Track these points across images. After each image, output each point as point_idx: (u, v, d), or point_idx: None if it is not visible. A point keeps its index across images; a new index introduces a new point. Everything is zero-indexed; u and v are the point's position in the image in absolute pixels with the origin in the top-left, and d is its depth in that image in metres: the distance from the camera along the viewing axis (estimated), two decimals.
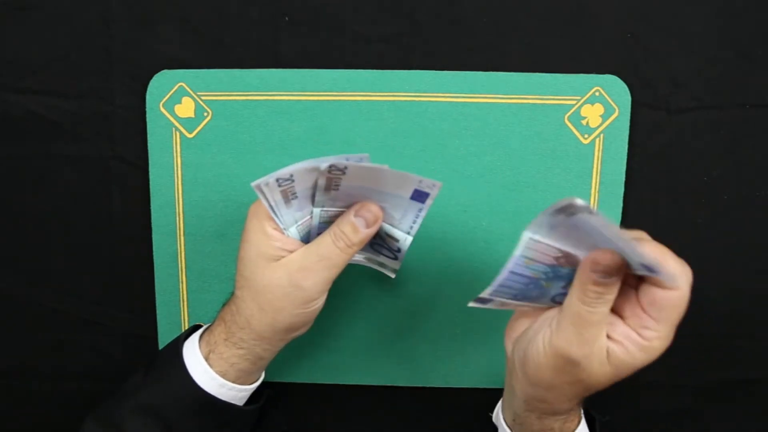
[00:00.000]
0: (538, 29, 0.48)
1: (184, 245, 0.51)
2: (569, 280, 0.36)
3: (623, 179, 0.49)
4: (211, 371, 0.41)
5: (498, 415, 0.44)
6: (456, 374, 0.52)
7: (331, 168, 0.35)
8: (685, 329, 0.51)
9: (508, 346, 0.40)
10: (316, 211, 0.40)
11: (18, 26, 0.49)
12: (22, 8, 0.48)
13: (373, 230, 0.39)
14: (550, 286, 0.37)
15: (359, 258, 0.46)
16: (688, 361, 0.52)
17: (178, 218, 0.50)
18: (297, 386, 0.53)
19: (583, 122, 0.48)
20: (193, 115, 0.49)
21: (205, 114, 0.49)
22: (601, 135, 0.48)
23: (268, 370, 0.46)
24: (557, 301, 0.38)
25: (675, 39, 0.47)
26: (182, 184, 0.50)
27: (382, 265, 0.46)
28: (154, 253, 0.51)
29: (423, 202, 0.38)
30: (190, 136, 0.49)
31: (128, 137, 0.50)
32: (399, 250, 0.42)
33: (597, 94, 0.48)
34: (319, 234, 0.41)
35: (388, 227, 0.41)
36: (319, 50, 0.48)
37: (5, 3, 0.48)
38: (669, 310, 0.34)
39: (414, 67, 0.48)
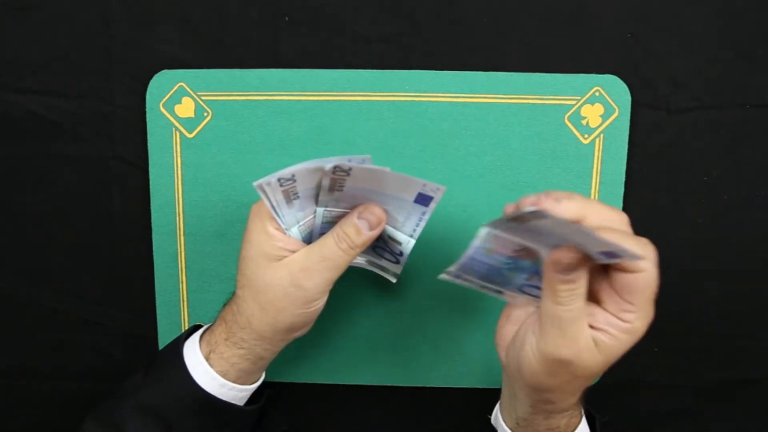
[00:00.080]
0: (538, 29, 0.48)
1: (184, 245, 0.51)
2: (531, 273, 0.37)
3: (623, 179, 0.49)
4: (211, 371, 0.41)
5: (497, 419, 0.44)
6: (456, 374, 0.52)
7: (336, 169, 0.35)
8: (685, 329, 0.52)
9: (502, 354, 0.40)
10: (320, 210, 0.40)
11: (18, 26, 0.49)
12: (22, 8, 0.48)
13: (376, 233, 0.39)
14: (513, 275, 0.38)
15: (360, 261, 0.46)
16: (688, 361, 0.52)
17: (178, 218, 0.50)
18: (297, 386, 0.53)
19: (583, 122, 0.48)
20: (193, 115, 0.49)
21: (205, 114, 0.49)
22: (601, 135, 0.48)
23: (269, 370, 0.46)
24: (524, 291, 0.39)
25: (675, 39, 0.47)
26: (182, 184, 0.50)
27: (383, 269, 0.45)
28: (154, 253, 0.51)
29: (427, 205, 0.38)
30: (190, 136, 0.49)
31: (128, 137, 0.50)
32: (401, 254, 0.42)
33: (597, 94, 0.48)
34: (321, 234, 0.41)
35: (391, 230, 0.41)
36: (319, 50, 0.48)
37: (5, 3, 0.48)
38: (641, 292, 0.34)
39: (414, 67, 0.48)
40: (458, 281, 0.39)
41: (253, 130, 0.49)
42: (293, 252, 0.39)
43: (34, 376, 0.54)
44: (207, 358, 0.41)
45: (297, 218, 0.40)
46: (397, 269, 0.44)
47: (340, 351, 0.52)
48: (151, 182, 0.50)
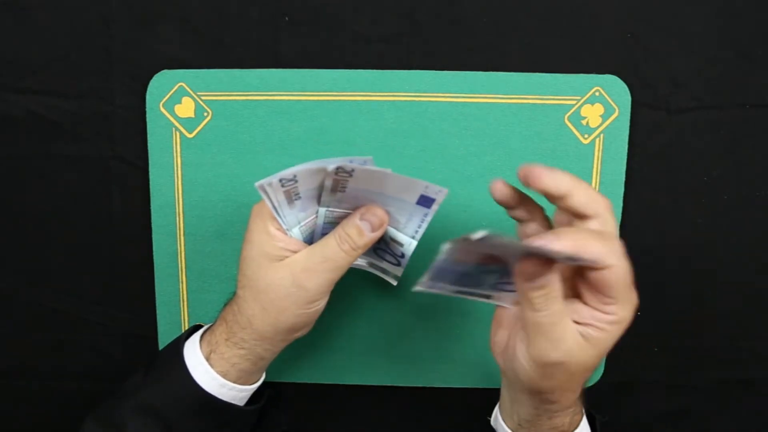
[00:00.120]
0: (538, 29, 0.48)
1: (184, 245, 0.51)
2: (502, 274, 0.37)
3: (623, 179, 0.49)
4: (212, 371, 0.41)
5: (497, 420, 0.44)
6: (456, 374, 0.52)
7: (339, 170, 0.35)
8: (685, 329, 0.52)
9: (499, 360, 0.40)
10: (322, 210, 0.40)
11: (18, 26, 0.49)
12: (22, 8, 0.48)
13: (377, 234, 0.39)
14: (485, 277, 0.38)
15: (361, 263, 0.46)
16: (688, 361, 0.52)
17: (178, 218, 0.50)
18: (297, 386, 0.53)
19: (583, 122, 0.48)
20: (193, 115, 0.49)
21: (205, 114, 0.49)
22: (601, 135, 0.48)
23: (269, 369, 0.46)
24: (499, 288, 0.39)
25: (675, 39, 0.47)
26: (182, 184, 0.50)
27: (384, 271, 0.45)
28: (154, 253, 0.51)
29: (429, 207, 0.38)
30: (190, 136, 0.49)
31: (128, 137, 0.50)
32: (402, 255, 0.42)
33: (597, 94, 0.48)
34: (322, 234, 0.41)
35: (393, 231, 0.41)
36: (319, 50, 0.48)
37: (5, 3, 0.48)
38: (614, 285, 0.34)
39: (414, 67, 0.48)
40: (433, 291, 0.39)
41: (253, 130, 0.49)
42: (294, 252, 0.39)
43: (34, 376, 0.54)
44: (207, 359, 0.41)
45: (298, 219, 0.40)
46: (398, 271, 0.44)
47: (340, 351, 0.52)
48: (151, 182, 0.50)
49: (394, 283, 0.45)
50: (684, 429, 0.54)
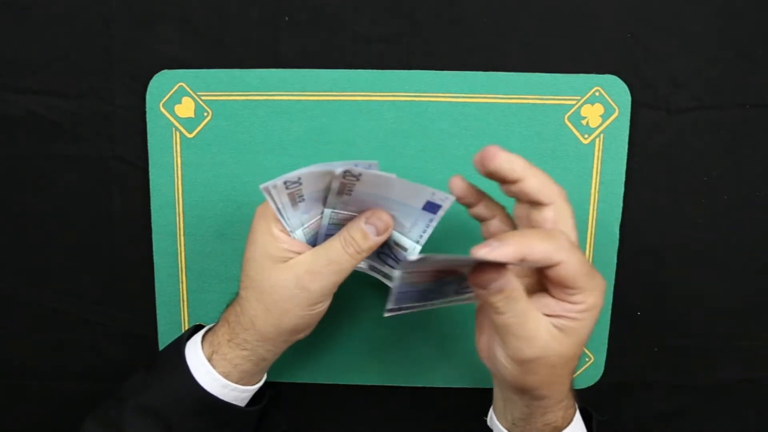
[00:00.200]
0: (538, 29, 0.48)
1: (184, 245, 0.51)
2: (460, 281, 0.38)
3: (623, 179, 0.49)
4: (213, 372, 0.41)
5: (492, 421, 0.44)
6: (456, 374, 0.52)
7: (346, 174, 0.35)
8: (685, 329, 0.52)
9: (486, 363, 0.40)
10: (327, 212, 0.40)
11: (18, 26, 0.49)
12: (22, 8, 0.48)
13: (382, 238, 0.39)
14: (445, 288, 0.39)
15: (362, 266, 0.45)
16: (688, 361, 0.52)
17: (178, 218, 0.50)
18: (297, 386, 0.53)
19: (583, 122, 0.48)
20: (193, 115, 0.49)
21: (205, 114, 0.49)
22: (601, 135, 0.48)
23: (269, 370, 0.46)
24: (462, 293, 0.40)
25: (675, 39, 0.47)
26: (182, 184, 0.50)
27: (385, 275, 0.45)
28: (154, 253, 0.51)
29: (435, 213, 0.38)
30: (190, 136, 0.49)
31: (128, 137, 0.50)
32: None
33: (597, 94, 0.48)
34: (326, 235, 0.41)
35: (397, 235, 0.41)
36: (319, 50, 0.48)
37: (5, 3, 0.48)
38: (571, 277, 0.35)
39: (414, 67, 0.48)
40: (403, 312, 0.40)
41: (253, 130, 0.49)
42: (298, 254, 0.39)
43: (34, 376, 0.54)
44: (209, 359, 0.41)
45: (302, 221, 0.40)
46: None
47: (340, 351, 0.52)
48: (151, 182, 0.50)
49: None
50: (684, 429, 0.54)
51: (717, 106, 0.48)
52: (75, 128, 0.50)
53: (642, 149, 0.49)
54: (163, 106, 0.49)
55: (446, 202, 0.37)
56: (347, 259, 0.39)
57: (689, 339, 0.52)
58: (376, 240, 0.39)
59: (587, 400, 0.46)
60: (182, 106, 0.49)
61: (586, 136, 0.48)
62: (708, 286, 0.51)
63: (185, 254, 0.51)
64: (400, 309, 0.39)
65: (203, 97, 0.49)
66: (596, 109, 0.48)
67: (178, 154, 0.50)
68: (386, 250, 0.43)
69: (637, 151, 0.49)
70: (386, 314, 0.38)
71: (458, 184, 0.38)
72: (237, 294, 0.42)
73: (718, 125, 0.49)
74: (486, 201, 0.40)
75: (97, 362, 0.53)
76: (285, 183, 0.36)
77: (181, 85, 0.49)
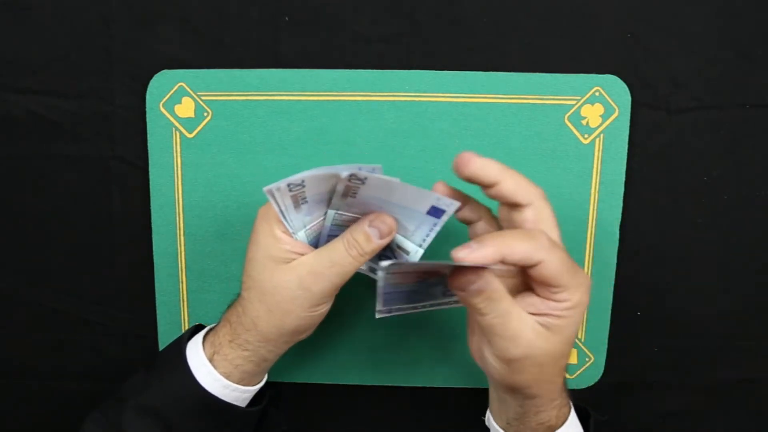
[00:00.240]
0: (538, 29, 0.48)
1: (184, 245, 0.51)
2: (445, 284, 0.38)
3: (623, 179, 0.49)
4: (215, 372, 0.41)
5: (489, 420, 0.44)
6: (456, 374, 0.52)
7: (352, 177, 0.35)
8: (686, 329, 0.52)
9: (479, 364, 0.40)
10: (331, 213, 0.40)
11: (18, 26, 0.49)
12: (22, 8, 0.48)
13: (385, 242, 0.39)
14: (432, 289, 0.39)
15: (364, 268, 0.45)
16: (688, 361, 0.52)
17: (178, 218, 0.50)
18: (297, 386, 0.53)
19: (583, 122, 0.48)
20: (193, 115, 0.49)
21: (205, 114, 0.49)
22: (601, 135, 0.48)
23: (269, 370, 0.46)
24: (450, 294, 0.40)
25: (675, 39, 0.47)
26: (182, 184, 0.50)
27: None
28: (154, 253, 0.51)
29: (439, 217, 0.38)
30: (190, 136, 0.49)
31: (128, 137, 0.50)
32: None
33: (597, 94, 0.48)
34: (329, 236, 0.41)
35: (400, 239, 0.41)
36: (319, 50, 0.48)
37: (5, 3, 0.48)
38: (554, 276, 0.35)
39: (414, 67, 0.48)
40: (393, 314, 0.40)
41: (253, 130, 0.49)
42: (301, 255, 0.39)
43: (34, 376, 0.54)
44: (211, 360, 0.41)
45: (304, 222, 0.40)
46: None
47: (340, 351, 0.52)
48: (151, 182, 0.50)
49: None
50: (684, 429, 0.54)
51: (717, 106, 0.48)
52: (75, 128, 0.50)
53: (642, 149, 0.49)
54: (163, 106, 0.49)
55: (451, 207, 0.37)
56: (350, 262, 0.39)
57: (689, 339, 0.52)
58: (379, 243, 0.39)
59: (587, 400, 0.46)
60: (182, 106, 0.49)
61: (586, 136, 0.48)
62: (708, 286, 0.51)
63: (185, 254, 0.51)
64: (390, 311, 0.40)
65: (203, 97, 0.49)
66: (596, 109, 0.48)
67: (178, 154, 0.50)
68: (388, 253, 0.43)
69: (637, 151, 0.49)
70: (377, 315, 0.39)
71: (441, 189, 0.39)
72: (238, 294, 0.42)
73: (718, 125, 0.49)
74: (471, 204, 0.40)
75: (97, 362, 0.53)
76: (288, 186, 0.36)
77: (181, 85, 0.49)
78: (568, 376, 0.52)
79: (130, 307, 0.52)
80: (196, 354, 0.42)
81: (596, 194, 0.49)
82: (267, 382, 0.46)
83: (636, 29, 0.47)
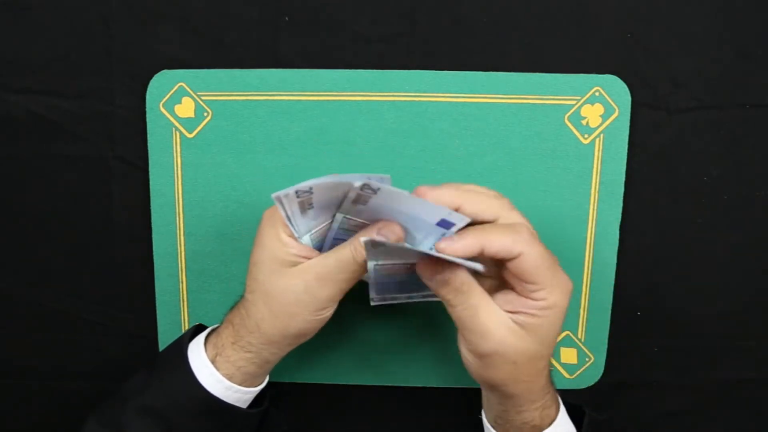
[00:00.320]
0: (538, 29, 0.48)
1: (184, 245, 0.51)
2: None
3: (623, 179, 0.49)
4: (217, 374, 0.41)
5: (483, 418, 0.45)
6: (456, 374, 0.52)
7: (364, 187, 0.35)
8: (685, 329, 0.52)
9: (462, 359, 0.41)
10: (339, 216, 0.40)
11: (18, 26, 0.49)
12: (22, 8, 0.48)
13: None
14: (423, 282, 0.39)
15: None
16: (688, 361, 0.52)
17: (178, 218, 0.50)
18: (297, 386, 0.53)
19: (583, 122, 0.48)
20: (193, 115, 0.49)
21: (205, 114, 0.49)
22: (601, 135, 0.48)
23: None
24: None
25: (675, 39, 0.47)
26: (182, 184, 0.50)
27: None
28: (154, 253, 0.51)
29: (448, 229, 0.38)
30: (190, 136, 0.49)
31: (128, 137, 0.50)
32: None
33: (597, 94, 0.48)
34: (335, 239, 0.41)
35: (407, 246, 0.41)
36: (319, 50, 0.48)
37: (5, 3, 0.48)
38: (532, 271, 0.36)
39: (414, 67, 0.48)
40: (388, 302, 0.41)
41: (253, 130, 0.49)
42: (306, 258, 0.39)
43: (34, 376, 0.54)
44: (213, 361, 0.41)
45: (309, 227, 0.40)
46: None
47: (340, 351, 0.52)
48: (151, 182, 0.50)
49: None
50: (684, 429, 0.54)
51: (717, 106, 0.48)
52: (75, 128, 0.50)
53: (642, 149, 0.49)
54: (163, 106, 0.49)
55: (461, 222, 0.37)
56: (356, 268, 0.39)
57: (689, 339, 0.52)
58: None
59: (587, 400, 0.46)
60: (182, 106, 0.49)
61: (586, 136, 0.48)
62: (708, 286, 0.51)
63: (185, 254, 0.51)
64: (384, 299, 0.40)
65: (203, 97, 0.49)
66: (596, 109, 0.48)
67: (178, 154, 0.50)
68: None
69: (637, 151, 0.49)
70: (372, 303, 0.40)
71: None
72: (242, 296, 0.42)
73: (718, 125, 0.49)
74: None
75: (97, 362, 0.53)
76: (296, 192, 0.36)
77: (181, 85, 0.49)
78: (567, 376, 0.52)
79: (130, 307, 0.52)
80: (198, 355, 0.42)
81: (596, 194, 0.49)
82: (268, 383, 0.46)
83: (636, 29, 0.47)
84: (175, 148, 0.49)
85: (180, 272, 0.51)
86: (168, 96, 0.49)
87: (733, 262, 0.50)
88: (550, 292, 0.36)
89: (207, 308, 0.52)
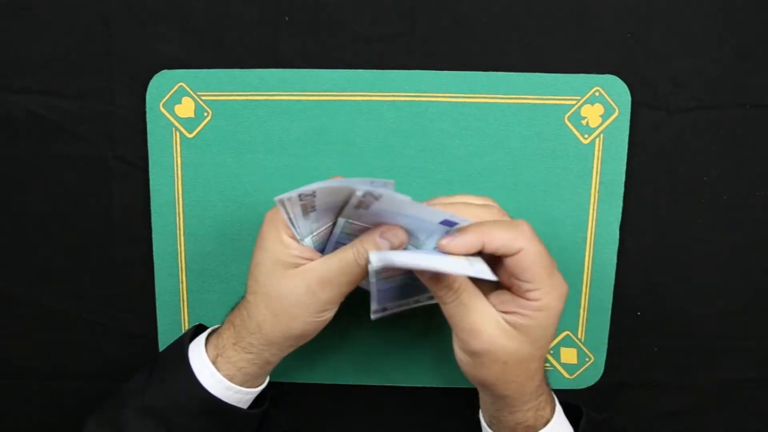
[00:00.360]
0: (538, 29, 0.48)
1: (184, 245, 0.51)
2: None
3: (623, 179, 0.49)
4: (218, 374, 0.41)
5: (480, 417, 0.45)
6: (456, 374, 0.52)
7: (366, 194, 0.36)
8: (685, 329, 0.52)
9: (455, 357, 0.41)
10: (341, 221, 0.40)
11: (18, 26, 0.49)
12: (22, 8, 0.48)
13: None
14: (422, 284, 0.39)
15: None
16: (688, 361, 0.52)
17: (178, 218, 0.50)
18: (297, 386, 0.53)
19: (583, 122, 0.48)
20: (193, 115, 0.49)
21: (205, 114, 0.49)
22: (601, 135, 0.48)
23: None
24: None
25: (675, 39, 0.47)
26: (182, 184, 0.50)
27: None
28: (154, 253, 0.51)
29: (451, 227, 0.38)
30: (190, 136, 0.49)
31: (128, 137, 0.50)
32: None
33: (597, 94, 0.48)
34: (337, 243, 0.41)
35: (410, 248, 0.41)
36: (319, 50, 0.48)
37: (5, 3, 0.48)
38: (530, 269, 0.36)
39: (414, 67, 0.48)
40: (390, 312, 0.41)
41: (253, 130, 0.49)
42: (308, 260, 0.40)
43: (34, 376, 0.54)
44: (214, 362, 0.41)
45: (311, 229, 0.40)
46: None
47: (340, 351, 0.52)
48: (151, 182, 0.50)
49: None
50: (684, 429, 0.54)
51: (717, 106, 0.48)
52: (75, 128, 0.50)
53: (642, 149, 0.49)
54: (163, 106, 0.49)
55: (464, 223, 0.37)
56: (358, 271, 0.39)
57: (689, 339, 0.52)
58: None
59: (587, 401, 0.46)
60: (182, 106, 0.49)
61: (586, 136, 0.49)
62: (708, 286, 0.51)
63: (185, 254, 0.51)
64: (384, 309, 0.41)
65: (203, 97, 0.49)
66: (596, 109, 0.48)
67: (178, 154, 0.50)
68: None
69: (637, 151, 0.49)
70: (373, 316, 0.40)
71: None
72: (243, 297, 0.42)
73: (718, 125, 0.49)
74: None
75: (97, 362, 0.53)
76: (300, 195, 0.36)
77: (181, 85, 0.49)
78: (567, 376, 0.52)
79: (130, 307, 0.52)
80: (198, 356, 0.42)
81: (596, 194, 0.49)
82: (268, 383, 0.46)
83: (636, 29, 0.47)
84: (175, 148, 0.49)
85: (180, 272, 0.51)
86: (168, 96, 0.49)
87: (733, 262, 0.50)
88: (546, 293, 0.36)
89: (207, 308, 0.52)
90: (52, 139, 0.50)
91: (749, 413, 0.53)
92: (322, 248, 0.42)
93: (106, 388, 0.53)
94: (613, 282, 0.50)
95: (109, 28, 0.48)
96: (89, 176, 0.50)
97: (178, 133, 0.49)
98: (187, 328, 0.51)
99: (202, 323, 0.46)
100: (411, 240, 0.40)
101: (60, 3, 0.48)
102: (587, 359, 0.52)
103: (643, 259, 0.50)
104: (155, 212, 0.50)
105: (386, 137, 0.49)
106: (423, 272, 0.37)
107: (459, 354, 0.39)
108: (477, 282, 0.39)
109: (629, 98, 0.48)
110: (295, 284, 0.39)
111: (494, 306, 0.37)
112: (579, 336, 0.51)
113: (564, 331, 0.51)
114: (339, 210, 0.39)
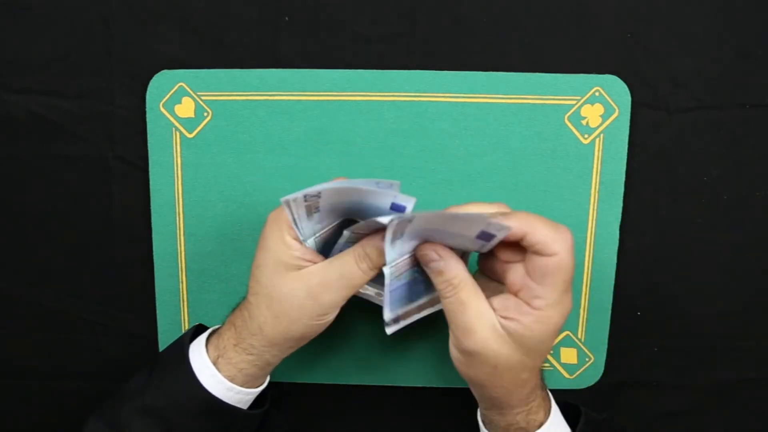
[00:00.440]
0: (538, 29, 0.48)
1: (184, 245, 0.51)
2: None
3: (623, 179, 0.49)
4: (218, 375, 0.41)
5: (478, 416, 0.45)
6: (456, 374, 0.52)
7: (400, 222, 0.35)
8: (685, 329, 0.52)
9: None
10: (346, 234, 0.40)
11: (18, 26, 0.49)
12: (22, 8, 0.48)
13: None
14: (428, 279, 0.39)
15: (369, 292, 0.44)
16: (688, 361, 0.52)
17: (178, 218, 0.50)
18: (297, 386, 0.53)
19: (583, 122, 0.48)
20: (193, 115, 0.49)
21: (205, 114, 0.49)
22: (601, 135, 0.48)
23: None
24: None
25: (675, 39, 0.47)
26: (182, 184, 0.50)
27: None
28: (154, 253, 0.51)
29: (488, 241, 0.37)
30: (190, 136, 0.49)
31: (128, 137, 0.50)
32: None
33: (597, 94, 0.48)
34: (341, 250, 0.41)
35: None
36: (319, 50, 0.48)
37: (5, 3, 0.48)
38: (552, 276, 0.35)
39: (414, 67, 0.48)
40: (402, 323, 0.41)
41: (253, 130, 0.49)
42: (310, 262, 0.40)
43: (34, 376, 0.54)
44: (215, 363, 0.41)
45: (314, 230, 0.40)
46: None
47: (340, 351, 0.52)
48: (151, 182, 0.50)
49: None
50: (684, 429, 0.54)
51: (717, 106, 0.48)
52: (75, 128, 0.50)
53: (642, 149, 0.49)
54: (163, 106, 0.49)
55: (501, 232, 0.36)
56: (360, 275, 0.39)
57: (689, 339, 0.52)
58: None
59: (587, 401, 0.46)
60: (182, 106, 0.49)
61: (586, 136, 0.48)
62: (708, 286, 0.51)
63: (185, 254, 0.51)
64: (398, 318, 0.41)
65: (203, 97, 0.49)
66: (596, 109, 0.48)
67: (178, 154, 0.50)
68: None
69: (637, 151, 0.49)
70: (388, 331, 0.40)
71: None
72: (244, 298, 0.42)
73: (718, 125, 0.49)
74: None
75: (97, 362, 0.53)
76: (305, 196, 0.36)
77: (181, 85, 0.49)
78: (567, 376, 0.52)
79: (130, 307, 0.52)
80: (199, 356, 0.42)
81: (596, 194, 0.49)
82: (269, 384, 0.46)
83: (636, 29, 0.47)
84: (175, 148, 0.49)
85: (180, 272, 0.51)
86: (168, 96, 0.49)
87: (733, 262, 0.50)
88: (551, 305, 0.36)
89: (207, 308, 0.52)
90: (52, 139, 0.50)
91: (749, 413, 0.53)
92: (324, 250, 0.42)
93: (106, 388, 0.53)
94: (613, 282, 0.50)
95: (109, 28, 0.48)
96: (89, 176, 0.50)
97: (178, 133, 0.49)
98: (187, 328, 0.52)
99: (202, 323, 0.46)
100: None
101: (60, 3, 0.48)
102: (587, 359, 0.52)
103: (643, 259, 0.50)
104: (155, 212, 0.50)
105: (386, 137, 0.49)
106: (426, 260, 0.37)
107: (452, 350, 0.39)
108: (485, 284, 0.39)
109: (629, 98, 0.48)
110: (296, 287, 0.39)
111: (495, 309, 0.37)
112: (579, 336, 0.51)
113: (564, 331, 0.51)
114: (341, 211, 0.39)
